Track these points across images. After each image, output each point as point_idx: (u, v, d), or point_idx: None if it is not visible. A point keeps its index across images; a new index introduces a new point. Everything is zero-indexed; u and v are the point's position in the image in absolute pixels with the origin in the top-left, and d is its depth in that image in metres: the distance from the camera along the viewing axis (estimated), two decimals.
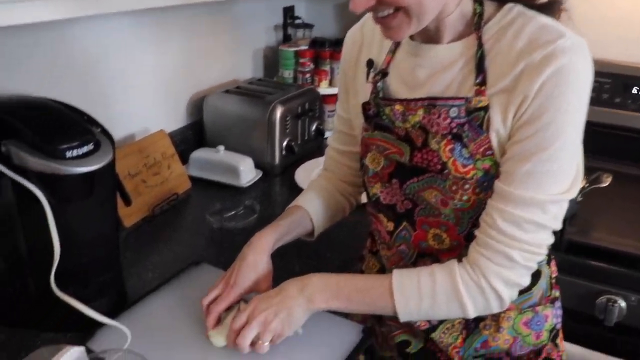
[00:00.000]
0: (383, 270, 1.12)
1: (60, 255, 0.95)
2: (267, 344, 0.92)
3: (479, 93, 0.86)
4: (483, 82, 0.86)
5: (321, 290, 0.94)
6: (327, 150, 1.23)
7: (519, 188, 0.84)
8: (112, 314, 1.01)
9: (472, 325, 1.01)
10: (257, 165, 1.71)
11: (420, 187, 0.94)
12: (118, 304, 1.10)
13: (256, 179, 1.68)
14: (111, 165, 0.99)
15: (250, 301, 0.96)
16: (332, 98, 2.03)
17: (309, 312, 0.94)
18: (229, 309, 1.00)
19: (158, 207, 1.47)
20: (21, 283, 1.01)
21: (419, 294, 0.90)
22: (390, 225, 1.02)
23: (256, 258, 1.03)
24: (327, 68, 2.06)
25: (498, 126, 0.86)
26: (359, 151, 1.10)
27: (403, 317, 0.92)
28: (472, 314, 0.90)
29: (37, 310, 1.03)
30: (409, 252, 1.01)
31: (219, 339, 0.97)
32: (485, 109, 0.86)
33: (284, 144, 1.73)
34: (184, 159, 1.69)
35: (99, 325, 1.00)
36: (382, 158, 0.99)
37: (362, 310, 0.98)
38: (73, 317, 0.99)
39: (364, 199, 1.16)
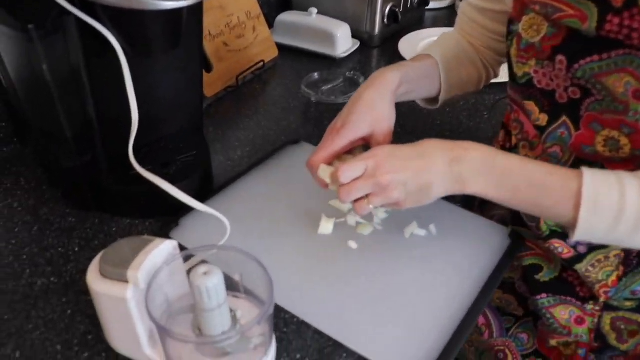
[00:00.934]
0: None
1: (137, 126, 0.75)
2: (371, 207, 0.71)
3: None
4: None
5: (481, 173, 0.69)
6: (461, 5, 0.97)
7: None
8: (197, 200, 0.81)
9: (633, 262, 0.76)
10: (353, 35, 1.45)
11: (602, 70, 0.66)
12: (204, 188, 0.90)
13: (353, 49, 1.43)
14: (200, 8, 0.75)
15: (375, 149, 0.72)
16: None
17: (450, 194, 0.71)
18: None
19: (242, 75, 1.24)
20: (91, 157, 0.82)
21: (619, 213, 0.63)
22: (543, 119, 0.76)
23: (374, 96, 0.79)
24: None
25: None
26: (503, 10, 0.84)
27: (580, 236, 0.66)
28: None
29: (110, 191, 0.85)
30: (563, 158, 0.76)
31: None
32: None
33: (387, 10, 1.45)
34: (268, 24, 1.44)
35: (183, 212, 0.82)
36: (546, 24, 0.71)
37: (523, 209, 0.72)
38: (152, 201, 0.81)
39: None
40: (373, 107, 0.78)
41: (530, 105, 0.77)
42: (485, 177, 0.69)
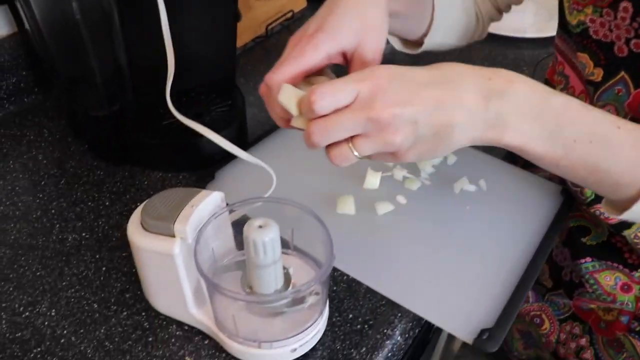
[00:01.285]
0: None
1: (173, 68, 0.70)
2: (356, 154, 0.50)
3: None
4: None
5: (529, 116, 0.50)
6: None
7: None
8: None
9: None
10: None
11: None
12: (239, 140, 0.85)
13: None
14: None
15: (373, 69, 0.49)
16: None
17: (479, 144, 0.51)
18: None
19: (271, 26, 1.18)
20: (121, 107, 0.78)
21: None
22: (598, 74, 0.68)
23: None
24: None
25: None
26: None
27: (631, 215, 0.54)
28: None
29: (140, 143, 0.80)
30: None
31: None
32: None
33: None
34: None
35: (218, 166, 0.78)
36: None
37: (572, 174, 0.54)
38: (185, 153, 0.77)
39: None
40: (361, 8, 0.56)
41: (584, 58, 0.70)
42: (534, 122, 0.50)
